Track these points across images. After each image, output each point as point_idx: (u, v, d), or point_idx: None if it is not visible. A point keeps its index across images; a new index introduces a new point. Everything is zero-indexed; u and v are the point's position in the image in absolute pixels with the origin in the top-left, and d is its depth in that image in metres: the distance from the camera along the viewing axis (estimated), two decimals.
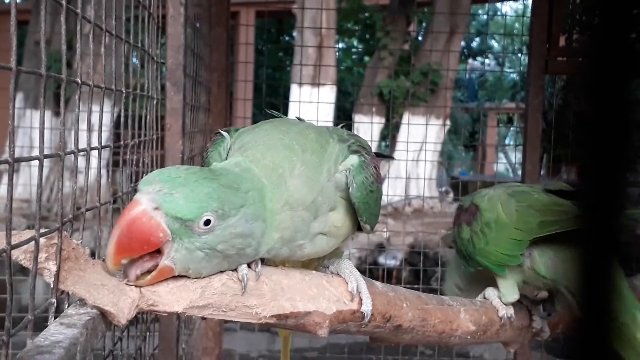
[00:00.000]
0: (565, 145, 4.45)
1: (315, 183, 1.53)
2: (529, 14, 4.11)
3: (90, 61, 1.48)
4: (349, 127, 1.77)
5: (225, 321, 1.69)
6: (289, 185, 1.49)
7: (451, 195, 10.97)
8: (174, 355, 2.47)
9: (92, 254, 1.36)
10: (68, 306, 1.29)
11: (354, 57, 18.78)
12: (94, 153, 1.55)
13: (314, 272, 1.68)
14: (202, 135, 3.47)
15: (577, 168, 0.67)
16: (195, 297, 1.40)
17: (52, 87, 6.06)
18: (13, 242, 1.11)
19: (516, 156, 9.12)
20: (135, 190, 1.36)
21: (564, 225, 1.93)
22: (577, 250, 0.66)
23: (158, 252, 1.34)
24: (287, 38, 19.31)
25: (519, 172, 4.09)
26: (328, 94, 10.36)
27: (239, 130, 1.69)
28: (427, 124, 8.49)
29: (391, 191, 7.42)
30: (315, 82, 9.54)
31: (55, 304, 1.25)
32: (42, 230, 1.20)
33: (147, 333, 2.34)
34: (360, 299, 1.66)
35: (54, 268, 1.22)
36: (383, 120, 10.67)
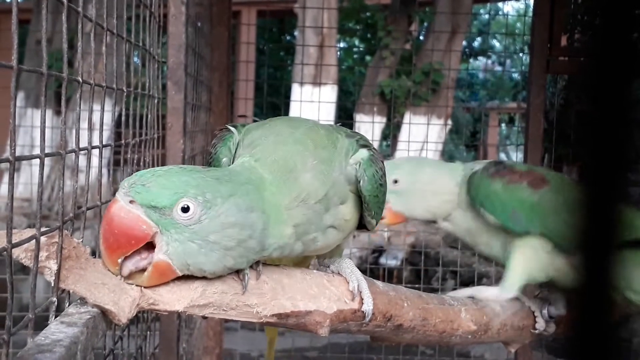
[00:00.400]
0: (566, 145, 4.44)
1: (327, 177, 1.53)
2: (530, 13, 4.11)
3: (91, 60, 1.48)
4: (350, 126, 1.77)
5: (226, 320, 1.70)
6: (301, 180, 1.48)
7: None
8: (174, 354, 2.47)
9: (93, 253, 1.36)
10: (69, 305, 1.29)
11: (355, 56, 18.76)
12: (95, 152, 1.55)
13: (314, 271, 1.68)
14: (203, 134, 3.47)
15: (579, 168, 0.67)
16: (196, 296, 1.40)
17: (53, 86, 6.07)
18: (14, 241, 1.11)
19: (517, 156, 9.12)
20: None
21: None
22: (579, 247, 0.66)
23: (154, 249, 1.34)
24: (288, 37, 19.30)
25: None
26: (329, 93, 10.35)
27: (246, 126, 1.68)
28: (428, 124, 8.48)
29: None
30: (317, 82, 9.54)
31: (56, 303, 1.25)
32: (43, 229, 1.20)
33: (148, 332, 2.34)
34: (361, 299, 1.66)
35: (54, 267, 1.22)
36: (384, 119, 10.66)
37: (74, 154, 1.39)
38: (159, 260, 1.32)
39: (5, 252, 1.08)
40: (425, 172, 2.24)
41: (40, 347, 1.07)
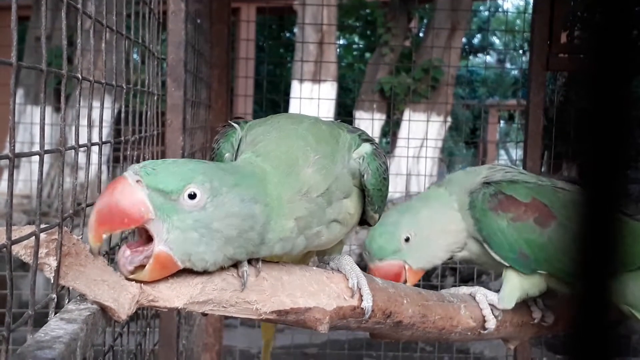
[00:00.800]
0: (566, 142, 4.44)
1: (329, 171, 1.53)
2: (530, 10, 4.10)
3: (91, 57, 1.48)
4: (349, 123, 1.77)
5: (226, 317, 1.70)
6: (302, 175, 1.48)
7: None
8: (174, 351, 2.47)
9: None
10: (68, 302, 1.30)
11: (355, 53, 18.75)
12: (95, 149, 1.55)
13: (314, 268, 1.68)
14: (203, 131, 3.47)
15: (578, 165, 0.67)
16: (195, 293, 1.40)
17: (53, 83, 6.06)
18: (13, 238, 1.11)
19: (517, 153, 9.10)
20: None
21: None
22: (577, 248, 0.66)
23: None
24: (288, 34, 19.28)
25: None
26: (329, 90, 10.34)
27: (248, 123, 1.69)
28: (428, 121, 8.50)
29: (392, 188, 7.39)
30: (316, 79, 9.53)
31: (55, 300, 1.25)
32: (43, 226, 1.20)
33: (148, 329, 2.34)
34: (361, 295, 1.67)
35: (54, 263, 1.22)
36: (384, 116, 10.65)
37: (73, 150, 1.39)
38: (160, 251, 1.32)
39: (4, 249, 1.08)
40: (426, 215, 2.09)
41: (39, 344, 1.07)
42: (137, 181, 1.30)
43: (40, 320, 1.18)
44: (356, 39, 18.73)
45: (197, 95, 3.13)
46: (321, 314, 1.59)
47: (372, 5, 12.91)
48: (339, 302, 1.63)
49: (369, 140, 1.68)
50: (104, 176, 1.79)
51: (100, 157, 1.54)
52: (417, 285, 2.09)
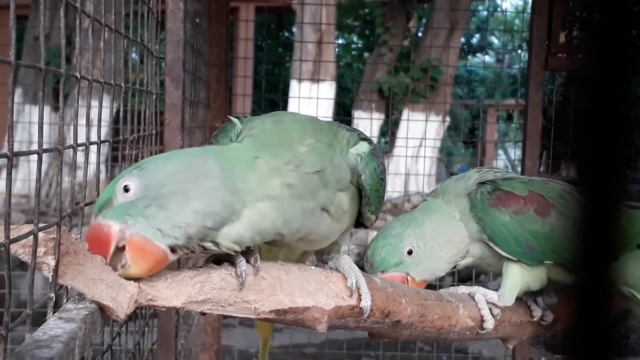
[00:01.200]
0: (565, 142, 4.44)
1: (325, 156, 1.53)
2: (529, 10, 4.11)
3: (89, 56, 1.48)
4: (348, 122, 1.78)
5: (224, 317, 1.69)
6: (295, 151, 1.48)
7: None
8: (172, 350, 2.47)
9: None
10: (67, 301, 1.29)
11: (353, 53, 18.76)
12: (93, 148, 1.54)
13: (312, 267, 1.68)
14: (202, 130, 3.47)
15: (577, 165, 0.67)
16: (194, 292, 1.40)
17: (52, 82, 6.06)
18: (12, 237, 1.11)
19: (516, 153, 9.11)
20: None
21: None
22: (577, 246, 0.66)
23: None
24: (286, 34, 19.29)
25: (519, 169, 4.09)
26: (328, 89, 10.34)
27: (248, 117, 1.69)
28: (426, 120, 8.50)
29: (390, 187, 7.41)
30: (315, 78, 9.52)
31: (54, 299, 1.25)
32: (41, 225, 1.20)
33: (146, 328, 2.34)
34: (360, 295, 1.67)
35: (52, 262, 1.22)
36: (382, 116, 10.65)
37: (72, 150, 1.39)
38: (130, 235, 1.32)
39: (3, 248, 1.08)
40: (430, 228, 2.07)
41: (38, 343, 1.07)
42: (97, 218, 1.35)
43: (39, 319, 1.18)
44: (355, 39, 18.74)
45: (195, 94, 3.13)
46: (320, 314, 1.59)
47: (371, 5, 12.91)
48: (338, 302, 1.63)
49: (367, 139, 1.68)
50: (102, 175, 1.79)
51: (99, 157, 1.54)
52: None
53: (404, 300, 1.81)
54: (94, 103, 1.60)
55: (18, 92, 9.26)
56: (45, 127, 1.55)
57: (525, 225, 2.03)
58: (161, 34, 2.55)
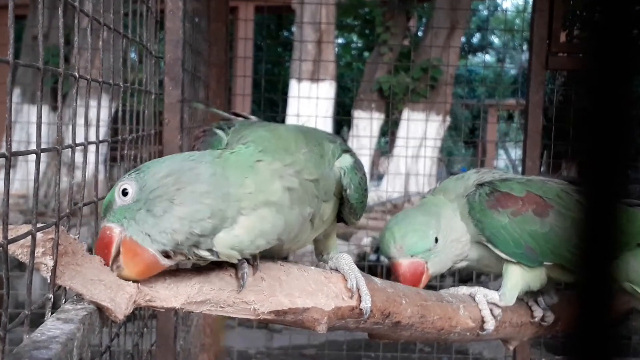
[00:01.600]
0: (565, 142, 4.44)
1: (318, 167, 1.54)
2: (529, 9, 4.10)
3: (88, 55, 1.48)
4: (348, 122, 1.78)
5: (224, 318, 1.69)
6: (296, 156, 1.48)
7: None
8: (171, 351, 2.46)
9: (89, 250, 1.36)
10: (65, 301, 1.29)
11: (353, 52, 18.76)
12: (92, 148, 1.54)
13: (312, 268, 1.68)
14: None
15: (578, 164, 0.66)
16: (193, 293, 1.39)
17: (50, 82, 6.05)
18: (10, 237, 1.11)
19: (516, 153, 9.11)
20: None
21: None
22: (577, 245, 0.66)
23: None
24: (286, 33, 19.29)
25: (519, 169, 4.09)
26: (327, 89, 10.34)
27: (232, 127, 1.66)
28: (427, 120, 8.50)
29: (390, 187, 7.44)
30: (315, 78, 9.52)
31: (52, 300, 1.24)
32: (39, 225, 1.19)
33: (145, 329, 2.34)
34: (360, 296, 1.66)
35: (50, 263, 1.22)
36: (383, 116, 10.65)
37: (70, 149, 1.39)
38: (123, 237, 1.33)
39: (1, 249, 1.08)
40: (445, 222, 2.06)
41: (36, 344, 1.06)
42: (103, 225, 1.38)
43: (37, 320, 1.18)
44: (355, 38, 18.75)
45: (194, 94, 3.12)
46: (319, 314, 1.58)
47: (371, 5, 12.90)
48: (337, 302, 1.62)
49: (348, 150, 1.69)
50: (101, 175, 1.79)
51: (98, 157, 1.54)
52: None
53: (404, 301, 1.80)
54: (93, 103, 1.59)
55: (16, 91, 9.26)
56: (44, 127, 1.54)
57: (524, 226, 2.03)
58: (160, 33, 2.54)
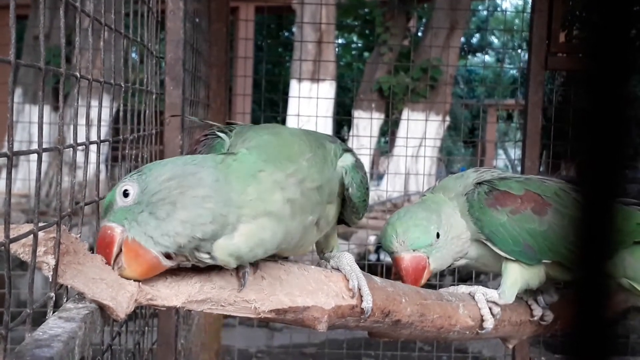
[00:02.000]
0: (565, 142, 4.44)
1: (322, 171, 1.54)
2: (529, 9, 4.10)
3: (89, 56, 1.48)
4: (348, 122, 1.79)
5: (225, 316, 1.69)
6: (298, 164, 1.47)
7: None
8: (172, 350, 2.47)
9: (91, 249, 1.36)
10: (67, 300, 1.29)
11: (353, 52, 18.76)
12: (93, 148, 1.54)
13: (312, 267, 1.68)
14: (201, 131, 3.47)
15: (577, 164, 0.67)
16: (194, 292, 1.40)
17: (51, 82, 6.05)
18: (12, 236, 1.11)
19: (515, 152, 9.10)
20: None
21: None
22: (574, 244, 0.66)
23: None
24: (286, 34, 19.29)
25: (519, 169, 4.09)
26: (327, 89, 10.34)
27: (235, 129, 1.65)
28: (426, 120, 8.50)
29: (390, 187, 7.43)
30: (315, 78, 9.52)
31: (54, 298, 1.25)
32: (41, 224, 1.20)
33: (146, 328, 2.34)
34: (361, 295, 1.67)
35: (52, 262, 1.22)
36: (382, 116, 10.66)
37: (71, 149, 1.39)
38: (125, 237, 1.33)
39: (3, 247, 1.08)
40: (446, 219, 2.06)
41: (38, 342, 1.07)
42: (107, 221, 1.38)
43: (39, 319, 1.18)
44: (355, 39, 18.75)
45: (195, 94, 3.13)
46: (319, 313, 1.59)
47: (371, 5, 12.90)
48: (338, 301, 1.63)
49: (349, 150, 1.70)
50: (102, 175, 1.79)
51: (99, 156, 1.54)
52: None
53: (403, 300, 1.81)
54: (94, 103, 1.59)
55: (18, 91, 9.26)
56: (45, 127, 1.55)
57: (523, 225, 2.04)
58: (161, 33, 2.55)
